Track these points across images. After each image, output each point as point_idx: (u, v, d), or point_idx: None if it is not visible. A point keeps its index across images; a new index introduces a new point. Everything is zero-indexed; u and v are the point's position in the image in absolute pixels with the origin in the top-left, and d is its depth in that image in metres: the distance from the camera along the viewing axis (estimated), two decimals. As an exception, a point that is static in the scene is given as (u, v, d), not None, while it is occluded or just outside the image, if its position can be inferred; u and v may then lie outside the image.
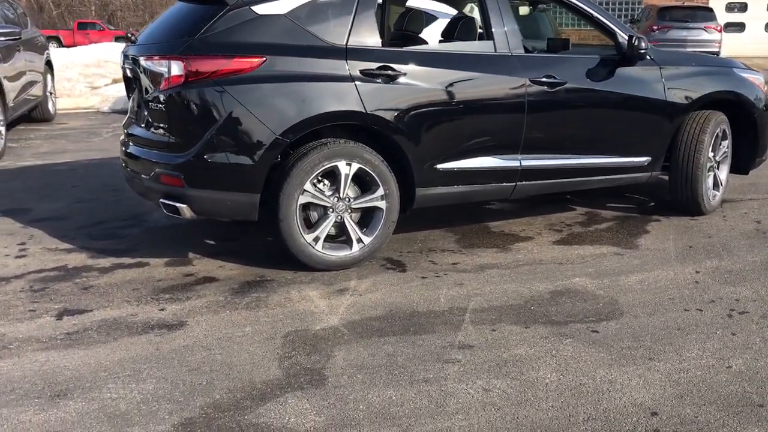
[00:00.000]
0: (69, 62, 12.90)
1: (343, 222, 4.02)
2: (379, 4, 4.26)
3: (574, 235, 4.71)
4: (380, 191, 4.03)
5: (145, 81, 4.00)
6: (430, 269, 4.09)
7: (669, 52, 5.48)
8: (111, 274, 4.01)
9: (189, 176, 3.77)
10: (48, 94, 9.88)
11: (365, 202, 4.05)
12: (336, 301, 3.63)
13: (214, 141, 3.74)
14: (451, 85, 4.15)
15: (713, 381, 2.84)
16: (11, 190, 5.95)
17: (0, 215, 5.20)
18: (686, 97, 4.87)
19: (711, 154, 5.02)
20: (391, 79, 3.99)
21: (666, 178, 5.15)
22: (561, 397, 2.72)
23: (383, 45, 4.17)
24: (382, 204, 4.06)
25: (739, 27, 23.56)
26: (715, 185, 5.17)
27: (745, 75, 5.25)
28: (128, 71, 4.29)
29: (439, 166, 4.18)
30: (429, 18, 5.21)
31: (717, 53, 16.56)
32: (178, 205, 3.82)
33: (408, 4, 5.58)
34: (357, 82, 3.90)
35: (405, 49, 4.25)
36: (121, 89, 4.40)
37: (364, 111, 3.91)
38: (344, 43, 3.93)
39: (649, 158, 4.88)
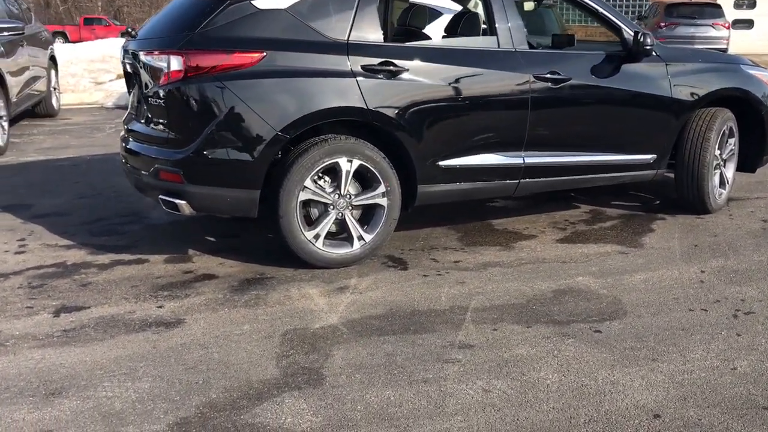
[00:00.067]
0: (74, 58, 12.90)
1: (344, 219, 3.98)
2: (381, -1, 4.22)
3: (578, 234, 4.66)
4: (381, 188, 3.99)
5: (144, 76, 3.97)
6: (431, 267, 4.05)
7: (675, 48, 5.43)
8: (110, 271, 3.98)
9: (188, 172, 3.74)
10: (52, 89, 9.87)
11: (366, 199, 4.01)
12: (336, 299, 3.60)
13: (214, 137, 3.70)
14: (453, 81, 4.11)
15: (717, 383, 2.79)
16: (13, 186, 5.93)
17: (1, 211, 5.18)
18: (692, 94, 4.81)
19: (717, 152, 4.96)
20: (393, 74, 3.94)
21: (672, 175, 5.09)
22: (562, 399, 2.67)
23: (385, 40, 4.13)
24: (383, 201, 4.02)
25: (748, 24, 23.39)
26: (722, 183, 5.11)
27: (753, 72, 5.18)
28: (128, 66, 4.26)
29: (441, 163, 4.14)
30: (432, 13, 5.17)
31: (725, 50, 16.44)
32: (177, 201, 3.79)
33: (411, -1, 5.54)
34: (358, 78, 3.86)
35: (407, 44, 4.21)
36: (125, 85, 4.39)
37: (365, 107, 3.86)
38: (345, 38, 3.89)
39: (655, 156, 4.82)
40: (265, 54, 3.73)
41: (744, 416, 2.57)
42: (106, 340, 3.15)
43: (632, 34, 4.57)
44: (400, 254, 4.26)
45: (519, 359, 2.97)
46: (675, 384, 2.78)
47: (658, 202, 5.45)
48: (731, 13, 21.07)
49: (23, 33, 8.37)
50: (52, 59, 9.99)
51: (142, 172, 3.99)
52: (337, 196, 3.93)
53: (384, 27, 4.16)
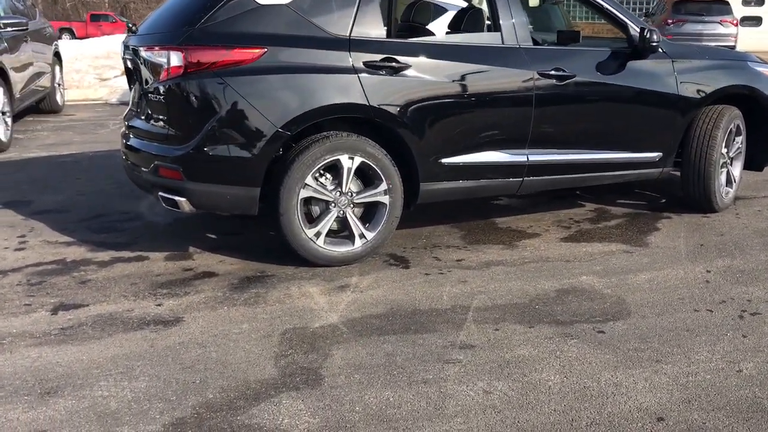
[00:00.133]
0: (79, 54, 12.87)
1: (346, 217, 3.94)
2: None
3: (582, 232, 4.61)
4: (383, 186, 3.95)
5: (145, 72, 3.93)
6: (433, 266, 4.01)
7: (682, 45, 5.36)
8: (110, 268, 3.95)
9: (188, 169, 3.70)
10: (56, 85, 9.85)
11: (368, 196, 3.97)
12: (336, 298, 3.56)
13: (214, 133, 3.67)
14: (456, 77, 4.06)
15: (722, 385, 2.74)
16: (15, 182, 5.91)
17: (2, 207, 5.16)
18: (699, 92, 4.75)
19: (724, 150, 4.90)
20: (396, 71, 3.90)
21: (678, 173, 5.03)
22: (564, 401, 2.63)
23: (389, 36, 4.08)
24: (385, 199, 3.98)
25: (756, 21, 23.21)
26: (728, 182, 5.05)
27: (761, 69, 5.11)
28: (128, 62, 4.22)
29: (444, 160, 4.09)
30: (436, 9, 5.12)
31: (733, 47, 16.31)
32: (177, 198, 3.75)
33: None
34: (360, 74, 3.81)
35: (409, 40, 4.16)
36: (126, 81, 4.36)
37: (367, 103, 3.82)
38: (347, 34, 3.84)
39: (661, 154, 4.76)
40: (265, 50, 3.69)
41: (749, 420, 2.52)
42: (104, 339, 3.12)
43: (638, 30, 4.51)
44: (402, 252, 4.22)
45: (521, 360, 2.93)
46: (679, 386, 2.73)
47: (663, 200, 5.39)
48: (739, 10, 20.92)
49: (27, 29, 8.35)
50: (57, 55, 9.97)
51: (142, 168, 3.95)
52: (338, 193, 3.89)
53: (387, 23, 4.10)
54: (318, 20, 3.81)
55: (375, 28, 3.93)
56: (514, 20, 4.26)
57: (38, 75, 8.84)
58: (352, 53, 3.82)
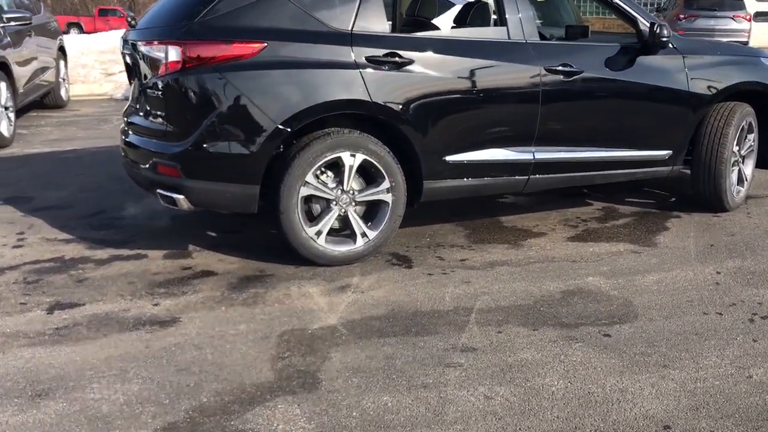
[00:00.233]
0: (85, 48, 12.85)
1: (347, 215, 3.86)
2: (388, -12, 4.09)
3: (589, 232, 4.52)
4: (386, 184, 3.87)
5: (144, 67, 3.87)
6: (437, 266, 3.93)
7: (693, 40, 5.27)
8: (107, 267, 3.89)
9: (186, 166, 3.64)
10: (61, 80, 9.81)
11: (370, 195, 3.89)
12: (337, 299, 3.48)
13: (213, 130, 3.60)
14: (461, 73, 3.97)
15: (732, 392, 2.66)
16: (16, 178, 5.87)
17: (2, 203, 5.11)
18: (710, 88, 4.64)
19: (736, 148, 4.80)
20: (399, 66, 3.82)
21: (688, 171, 4.93)
22: (567, 407, 2.55)
23: (394, 31, 4.00)
24: (387, 197, 3.90)
25: (769, 16, 22.95)
26: (740, 180, 4.94)
27: (774, 65, 5.00)
28: (128, 57, 4.16)
29: (448, 158, 4.01)
30: (442, 3, 5.02)
31: (746, 43, 16.13)
32: (175, 196, 3.69)
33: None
34: (362, 70, 3.73)
35: (413, 35, 4.08)
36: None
37: (369, 100, 3.74)
38: (349, 28, 3.76)
39: (670, 152, 4.66)
40: (266, 44, 3.61)
41: (760, 428, 2.44)
42: (99, 339, 3.06)
43: (648, 25, 4.41)
44: (405, 252, 4.14)
45: (523, 364, 2.85)
46: (687, 393, 2.65)
47: (673, 199, 5.29)
48: (752, 5, 20.64)
49: (30, 23, 8.30)
50: (61, 50, 9.92)
51: (141, 165, 3.89)
52: (339, 191, 3.82)
53: (392, 17, 4.03)
54: (319, 14, 3.74)
55: (378, 23, 3.85)
56: (520, 15, 4.17)
57: (42, 70, 8.81)
58: (354, 48, 3.74)
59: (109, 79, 11.63)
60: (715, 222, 4.72)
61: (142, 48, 3.82)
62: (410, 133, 3.87)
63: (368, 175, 3.89)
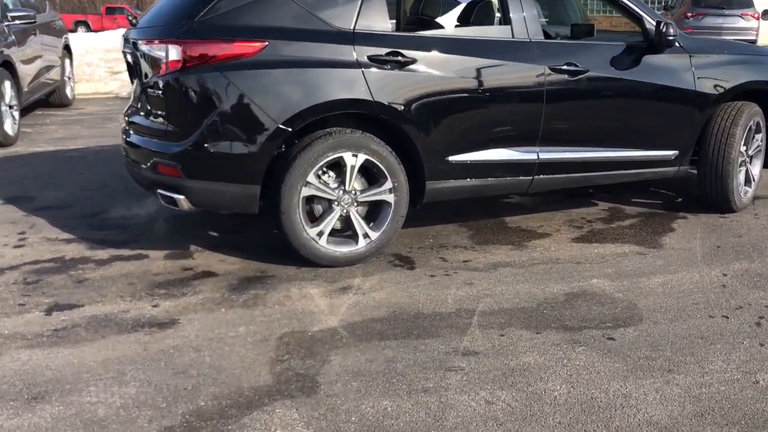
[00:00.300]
0: (91, 47, 12.84)
1: (349, 216, 3.83)
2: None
3: (594, 233, 4.47)
4: (388, 184, 3.83)
5: (144, 66, 3.84)
6: (439, 267, 3.89)
7: (700, 39, 5.21)
8: (108, 267, 3.87)
9: (186, 166, 3.61)
10: (66, 78, 9.80)
11: (372, 195, 3.85)
12: (338, 300, 3.45)
13: (213, 129, 3.56)
14: (464, 72, 3.93)
15: (738, 398, 2.61)
16: (19, 177, 5.85)
17: (4, 203, 5.10)
18: (717, 87, 4.58)
19: (743, 148, 4.74)
20: (401, 65, 3.78)
21: (695, 171, 4.87)
22: (570, 413, 2.50)
23: (397, 30, 3.96)
24: (390, 197, 3.86)
25: (778, 14, 22.79)
26: (747, 181, 4.88)
27: (782, 64, 4.94)
28: (129, 56, 4.13)
29: (451, 158, 3.97)
30: (446, 2, 4.98)
31: (754, 41, 16.01)
32: (175, 196, 3.66)
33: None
34: (364, 69, 3.69)
35: (416, 34, 4.04)
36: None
37: (371, 99, 3.70)
38: (351, 27, 3.73)
39: (677, 152, 4.60)
40: (267, 43, 3.58)
41: (766, 436, 2.39)
42: (97, 341, 3.03)
43: (654, 24, 4.35)
44: (407, 252, 4.11)
45: (526, 368, 2.81)
46: (692, 398, 2.60)
47: (680, 199, 5.23)
48: (761, 3, 20.48)
49: (35, 21, 8.29)
50: (67, 48, 9.91)
51: (142, 165, 3.86)
52: (341, 191, 3.79)
53: (395, 16, 3.98)
54: (321, 13, 3.70)
55: (380, 22, 3.81)
56: (524, 13, 4.12)
57: (47, 68, 8.80)
58: (356, 47, 3.70)
59: (114, 78, 11.62)
60: (722, 223, 4.66)
61: (143, 47, 3.79)
62: (413, 133, 3.83)
63: (370, 175, 3.86)
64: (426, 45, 3.88)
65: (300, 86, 3.62)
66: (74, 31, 27.72)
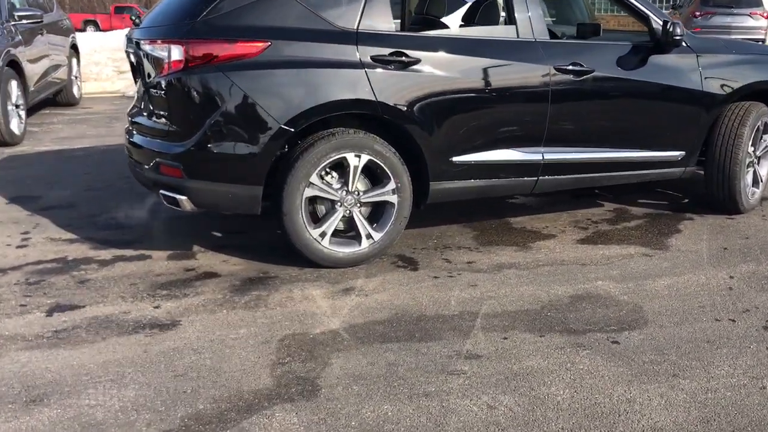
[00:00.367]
0: (98, 46, 12.86)
1: (352, 217, 3.80)
2: (395, -15, 4.02)
3: (600, 234, 4.43)
4: (391, 185, 3.80)
5: (147, 66, 3.83)
6: (443, 268, 3.86)
7: (707, 39, 5.15)
8: (110, 267, 3.86)
9: (188, 167, 3.59)
10: (73, 78, 9.81)
11: (375, 196, 3.83)
12: (340, 302, 3.42)
13: (215, 130, 3.55)
14: (468, 72, 3.90)
15: (744, 404, 2.57)
16: (24, 177, 5.85)
17: (8, 202, 5.10)
18: (725, 87, 4.54)
19: (751, 149, 4.69)
20: (405, 65, 3.75)
21: (701, 172, 4.82)
22: (572, 418, 2.47)
23: (402, 29, 3.93)
24: (393, 198, 3.83)
25: (787, 13, 22.61)
26: (755, 182, 4.83)
27: (791, 64, 4.87)
28: (132, 56, 4.12)
29: (455, 158, 3.94)
30: (452, 1, 4.93)
31: (762, 41, 15.89)
32: (177, 197, 3.64)
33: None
34: (367, 69, 3.67)
35: (419, 34, 4.01)
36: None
37: (374, 99, 3.67)
38: (355, 27, 3.70)
39: (683, 152, 4.56)
40: (269, 43, 3.56)
41: (772, 442, 2.35)
42: (97, 343, 3.02)
43: (661, 23, 4.31)
44: (411, 253, 4.08)
45: (529, 372, 2.78)
46: (697, 404, 2.56)
47: (686, 200, 5.18)
48: (770, 2, 20.36)
49: (41, 21, 8.29)
50: (74, 47, 9.92)
51: (144, 165, 3.85)
52: (344, 192, 3.76)
53: (397, 15, 3.95)
54: (324, 12, 3.67)
55: (384, 21, 3.78)
56: (530, 13, 4.09)
57: (54, 67, 8.80)
58: (359, 47, 3.67)
59: (121, 77, 11.62)
60: (728, 224, 4.61)
61: (146, 47, 3.77)
62: (416, 134, 3.80)
63: (374, 175, 3.83)
64: (429, 45, 3.86)
65: (303, 86, 3.60)
66: (83, 30, 27.79)
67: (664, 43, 4.31)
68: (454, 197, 4.11)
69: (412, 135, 3.80)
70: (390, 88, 3.71)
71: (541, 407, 2.54)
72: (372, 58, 3.68)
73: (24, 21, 7.86)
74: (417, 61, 3.76)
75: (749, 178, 4.75)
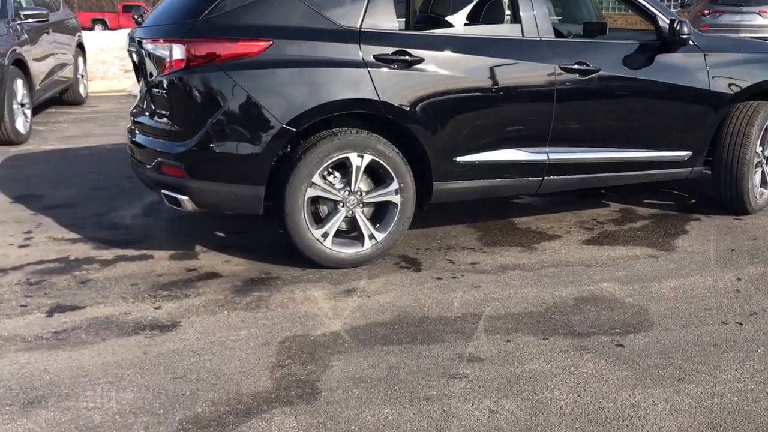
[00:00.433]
0: (105, 45, 12.88)
1: (355, 217, 3.77)
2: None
3: (605, 234, 4.39)
4: (394, 185, 3.77)
5: (149, 65, 3.81)
6: (446, 269, 3.83)
7: (715, 37, 5.09)
8: (112, 268, 3.84)
9: (190, 166, 3.57)
10: (79, 76, 9.81)
11: (378, 196, 3.80)
12: (341, 303, 3.40)
13: (217, 129, 3.52)
14: (472, 71, 3.87)
15: (751, 409, 2.52)
16: (28, 175, 5.84)
17: (12, 201, 5.09)
18: (733, 87, 4.48)
19: (759, 149, 4.64)
20: (408, 65, 3.72)
21: (709, 172, 4.77)
22: (576, 423, 2.44)
23: (407, 28, 3.90)
24: (396, 199, 3.80)
25: (798, 12, 22.44)
26: (763, 182, 4.77)
27: (800, 63, 4.81)
28: (134, 55, 4.10)
29: (458, 158, 3.90)
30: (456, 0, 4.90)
31: (772, 39, 15.77)
32: (179, 196, 3.62)
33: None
34: (370, 69, 3.64)
35: (423, 32, 3.97)
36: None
37: (377, 99, 3.64)
38: (357, 26, 3.67)
39: (690, 152, 4.51)
40: (271, 42, 3.53)
41: (779, 449, 2.31)
42: (96, 344, 3.00)
43: (668, 22, 4.26)
44: (414, 254, 4.04)
45: (532, 376, 2.74)
46: (703, 409, 2.52)
47: (693, 200, 5.13)
48: (780, 0, 20.20)
49: (47, 20, 8.29)
50: (80, 46, 9.93)
51: (146, 165, 3.83)
52: (347, 192, 3.73)
53: (401, 14, 3.92)
54: (327, 11, 3.64)
55: (387, 20, 3.75)
56: (535, 12, 4.04)
57: (60, 66, 8.80)
58: (362, 46, 3.64)
59: (128, 76, 11.61)
60: (736, 225, 4.56)
61: (148, 46, 3.76)
62: (420, 133, 3.77)
63: (376, 175, 3.80)
64: (433, 44, 3.82)
65: (305, 86, 3.57)
66: (92, 29, 27.87)
67: (671, 41, 4.26)
68: (457, 197, 4.07)
69: (415, 135, 3.77)
70: (393, 87, 3.68)
71: (543, 412, 2.51)
72: (375, 57, 3.65)
73: (30, 20, 7.86)
74: (420, 60, 3.73)
75: (757, 178, 4.70)
